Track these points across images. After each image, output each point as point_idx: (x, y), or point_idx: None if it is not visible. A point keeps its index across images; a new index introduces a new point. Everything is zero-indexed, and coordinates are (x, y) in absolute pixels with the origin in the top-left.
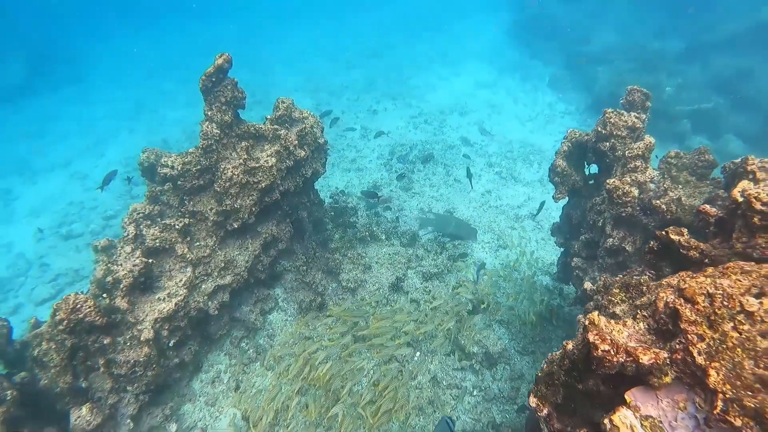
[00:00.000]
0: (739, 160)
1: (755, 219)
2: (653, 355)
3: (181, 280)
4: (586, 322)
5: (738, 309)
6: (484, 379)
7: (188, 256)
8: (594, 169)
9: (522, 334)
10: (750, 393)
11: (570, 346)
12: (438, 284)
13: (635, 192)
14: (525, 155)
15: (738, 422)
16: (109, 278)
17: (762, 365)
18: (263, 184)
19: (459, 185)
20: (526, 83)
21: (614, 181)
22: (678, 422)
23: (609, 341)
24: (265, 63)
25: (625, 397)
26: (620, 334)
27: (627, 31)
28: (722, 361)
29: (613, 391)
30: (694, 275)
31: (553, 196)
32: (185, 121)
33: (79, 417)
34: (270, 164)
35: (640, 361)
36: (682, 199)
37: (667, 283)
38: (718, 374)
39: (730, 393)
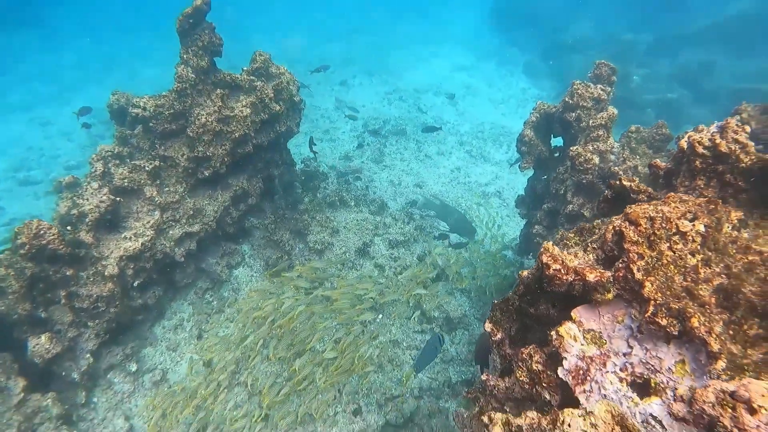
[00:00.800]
0: (692, 129)
1: (697, 162)
2: (598, 274)
3: (148, 222)
4: (541, 249)
5: (674, 230)
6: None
7: (157, 199)
8: (559, 142)
9: (482, 303)
10: (676, 300)
11: (525, 273)
12: (404, 252)
13: (596, 159)
14: (495, 136)
15: (664, 322)
16: (74, 211)
17: (689, 279)
18: (237, 134)
19: (430, 161)
20: (502, 68)
21: (577, 148)
22: (615, 333)
23: (560, 261)
24: (244, 32)
25: (571, 314)
26: (571, 262)
27: (603, 23)
28: (657, 276)
29: (561, 315)
30: (640, 204)
31: (519, 166)
32: (157, 80)
33: (37, 344)
34: (245, 114)
35: (587, 278)
36: (639, 167)
37: (615, 218)
38: (652, 285)
39: (660, 300)
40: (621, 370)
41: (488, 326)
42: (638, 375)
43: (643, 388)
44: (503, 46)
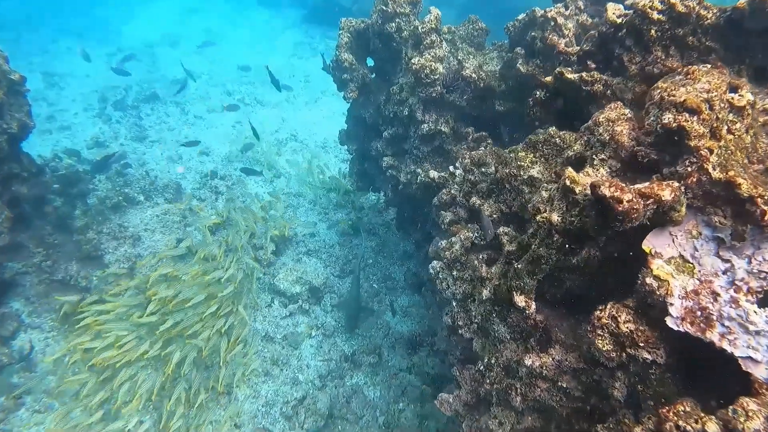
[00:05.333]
0: (525, 16)
1: (652, 32)
2: (671, 189)
3: None
4: (566, 182)
5: (728, 109)
6: (317, 316)
7: None
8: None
9: (333, 258)
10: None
11: (555, 218)
12: (227, 233)
13: (441, 68)
14: (261, 78)
15: None
16: None
17: (756, 159)
18: None
19: (202, 122)
20: (238, 3)
21: (419, 60)
22: (699, 251)
23: (628, 190)
24: None
25: (644, 248)
26: (627, 186)
27: None
28: (735, 169)
29: (605, 254)
30: (671, 88)
31: (344, 97)
32: None
33: None
34: None
35: (663, 198)
36: (483, 66)
37: (606, 118)
38: (745, 181)
39: (765, 194)
40: (735, 291)
41: (521, 300)
42: (757, 290)
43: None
44: None
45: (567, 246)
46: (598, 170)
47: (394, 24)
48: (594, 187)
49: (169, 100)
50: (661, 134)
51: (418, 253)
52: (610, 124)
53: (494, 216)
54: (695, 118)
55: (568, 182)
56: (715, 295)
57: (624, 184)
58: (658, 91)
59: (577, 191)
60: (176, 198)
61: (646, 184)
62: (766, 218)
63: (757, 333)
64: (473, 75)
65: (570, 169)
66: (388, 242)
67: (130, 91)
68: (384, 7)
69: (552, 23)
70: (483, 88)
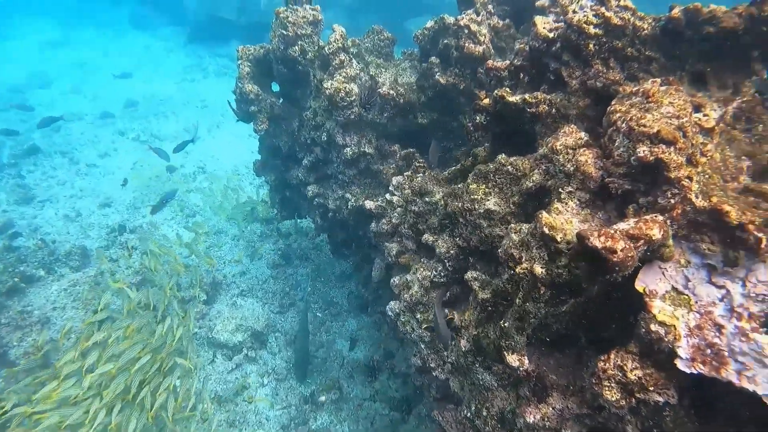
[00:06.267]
0: (435, 24)
1: (590, 46)
2: (658, 225)
3: None
4: (545, 230)
5: (698, 131)
6: (266, 362)
7: None
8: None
9: (269, 294)
10: (759, 208)
11: (539, 270)
12: (151, 288)
13: (356, 88)
14: (154, 109)
15: None
16: None
17: (729, 177)
18: None
19: (97, 169)
20: (106, 30)
21: (332, 84)
22: (691, 280)
23: (619, 236)
24: None
25: (638, 288)
26: (570, 223)
27: None
28: (717, 193)
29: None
30: (637, 115)
31: (254, 130)
32: None
33: None
34: None
35: (654, 237)
36: (398, 79)
37: (564, 145)
38: (732, 207)
39: (753, 218)
40: (738, 319)
41: (514, 359)
42: (759, 314)
43: None
44: (89, 2)
45: (556, 298)
46: (567, 204)
47: (297, 47)
48: (582, 238)
49: (53, 150)
50: (636, 166)
51: (357, 273)
52: (571, 152)
53: (451, 252)
54: (672, 148)
55: (546, 230)
56: (719, 327)
57: (612, 230)
58: (619, 116)
59: (559, 239)
60: (83, 264)
61: (632, 224)
62: (762, 246)
63: None
64: (391, 92)
65: (545, 213)
66: (322, 265)
67: (3, 147)
68: (284, 31)
69: (466, 31)
70: (403, 104)
